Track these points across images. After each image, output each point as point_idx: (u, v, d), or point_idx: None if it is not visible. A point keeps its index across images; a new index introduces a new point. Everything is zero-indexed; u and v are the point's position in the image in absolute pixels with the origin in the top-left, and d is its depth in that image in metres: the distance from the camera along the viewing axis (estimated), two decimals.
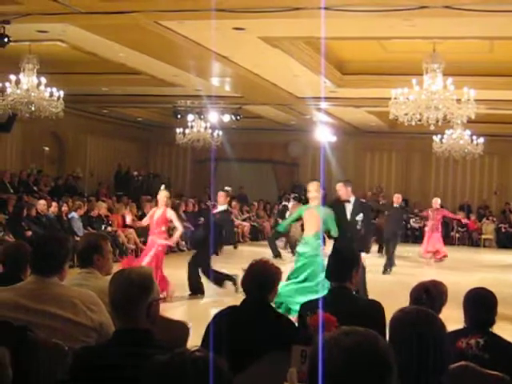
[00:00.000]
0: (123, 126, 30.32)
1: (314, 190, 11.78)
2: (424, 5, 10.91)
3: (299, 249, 11.80)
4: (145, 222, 14.15)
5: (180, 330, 5.21)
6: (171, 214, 13.54)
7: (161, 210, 13.46)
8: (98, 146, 29.64)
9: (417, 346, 3.20)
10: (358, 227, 12.37)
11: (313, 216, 11.63)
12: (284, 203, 23.81)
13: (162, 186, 14.59)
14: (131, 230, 20.34)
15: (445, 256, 21.16)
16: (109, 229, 19.43)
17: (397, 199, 20.24)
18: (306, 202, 15.64)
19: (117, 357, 3.51)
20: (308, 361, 2.45)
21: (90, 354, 3.69)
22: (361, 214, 12.44)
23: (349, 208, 12.46)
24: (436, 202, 22.09)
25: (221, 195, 14.59)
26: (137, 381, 2.47)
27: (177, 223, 13.67)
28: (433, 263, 20.68)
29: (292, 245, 22.02)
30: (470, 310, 5.26)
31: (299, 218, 12.42)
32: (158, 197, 13.69)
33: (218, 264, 15.50)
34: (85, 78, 19.76)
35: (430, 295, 5.46)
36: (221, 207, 14.50)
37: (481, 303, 5.22)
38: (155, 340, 3.67)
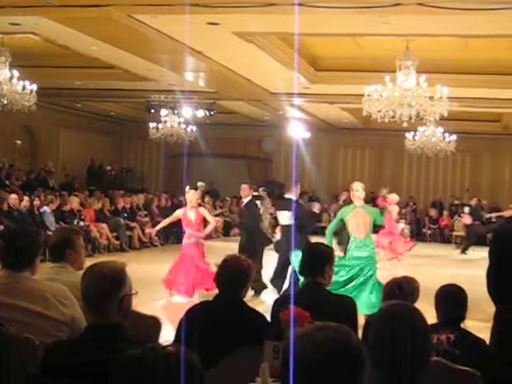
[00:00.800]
0: (96, 120, 30.18)
1: (359, 190, 11.39)
2: (398, 2, 10.96)
3: (355, 253, 11.24)
4: (168, 221, 14.03)
5: (152, 325, 5.20)
6: (203, 211, 13.73)
7: (193, 211, 13.44)
8: (71, 140, 29.48)
9: (395, 339, 3.20)
10: None
11: (362, 216, 11.26)
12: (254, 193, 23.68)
13: (187, 188, 14.41)
14: (104, 225, 20.26)
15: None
16: (81, 223, 19.32)
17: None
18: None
19: (88, 351, 3.51)
20: (281, 356, 2.45)
21: (61, 349, 3.68)
22: None
23: None
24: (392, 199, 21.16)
25: (244, 188, 14.33)
26: (108, 375, 2.46)
27: (210, 218, 13.77)
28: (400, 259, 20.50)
29: None
30: (441, 306, 5.30)
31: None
32: (187, 197, 13.59)
33: None
34: (57, 72, 19.63)
35: (402, 291, 5.50)
36: (245, 199, 14.36)
37: (452, 299, 5.25)
38: (127, 335, 3.67)
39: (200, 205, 14.33)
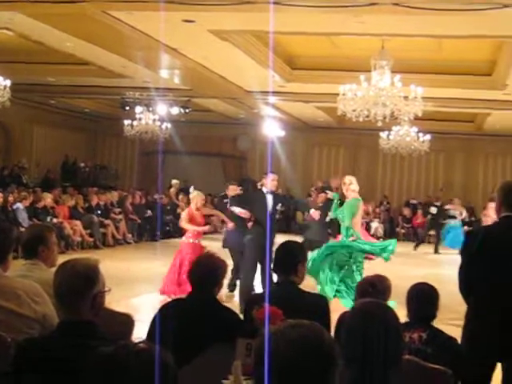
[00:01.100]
0: (70, 117, 30.02)
1: (354, 182, 11.86)
2: (373, 2, 11.00)
3: (364, 246, 11.56)
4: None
5: (124, 322, 5.19)
6: (208, 210, 13.74)
7: (198, 212, 13.46)
8: (45, 137, 29.30)
9: (368, 337, 3.22)
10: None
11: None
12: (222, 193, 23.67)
13: (192, 188, 14.33)
14: (77, 222, 20.17)
15: None
16: (54, 220, 19.21)
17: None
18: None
19: (60, 348, 3.49)
20: (254, 353, 2.46)
21: (33, 346, 3.67)
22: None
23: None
24: None
25: (232, 189, 14.32)
26: (80, 372, 2.46)
27: (215, 212, 13.79)
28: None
29: None
30: (412, 304, 5.33)
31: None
32: (192, 198, 13.59)
33: (165, 257, 15.46)
34: (31, 68, 19.51)
35: (375, 289, 5.53)
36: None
37: (423, 298, 5.29)
38: (99, 332, 3.66)
39: (204, 205, 14.45)
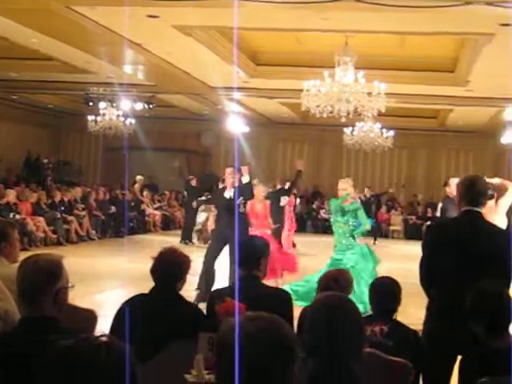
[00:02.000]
0: (33, 113, 29.76)
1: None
2: None
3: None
4: None
5: (87, 317, 5.18)
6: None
7: (261, 205, 13.71)
8: (7, 132, 28.99)
9: (331, 329, 3.25)
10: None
11: None
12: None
13: (256, 180, 14.41)
14: (40, 219, 20.03)
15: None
16: (17, 216, 19.06)
17: None
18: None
19: (22, 344, 3.48)
20: (214, 347, 2.48)
21: None
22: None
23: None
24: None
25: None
26: (41, 366, 2.45)
27: None
28: None
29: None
30: (374, 298, 5.39)
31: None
32: (255, 192, 13.60)
33: (129, 253, 15.43)
34: None
35: (338, 283, 5.58)
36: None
37: (385, 291, 5.35)
38: (61, 327, 3.64)
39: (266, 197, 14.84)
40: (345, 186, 11.63)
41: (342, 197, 11.62)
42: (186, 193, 23.92)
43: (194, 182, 23.21)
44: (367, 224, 11.69)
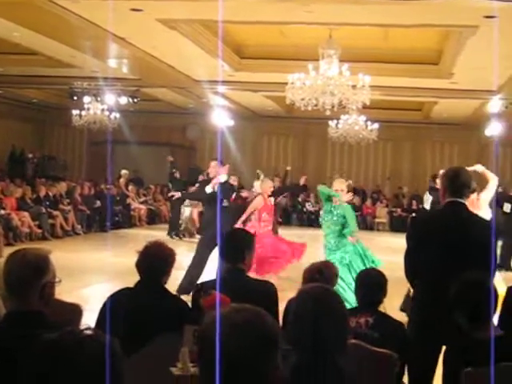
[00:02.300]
0: (18, 107, 29.63)
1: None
2: None
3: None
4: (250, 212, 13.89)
5: (72, 311, 5.18)
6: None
7: (270, 199, 13.70)
8: None
9: (316, 321, 3.26)
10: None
11: None
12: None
13: (262, 176, 14.33)
14: (25, 214, 19.96)
15: None
16: (2, 212, 18.99)
17: None
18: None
19: (8, 338, 3.48)
20: (197, 339, 2.48)
21: None
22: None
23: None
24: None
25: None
26: (26, 360, 2.46)
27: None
28: None
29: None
30: (360, 289, 5.41)
31: None
32: (263, 186, 13.73)
33: (114, 247, 15.40)
34: None
35: (322, 275, 5.59)
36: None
37: (371, 283, 5.36)
38: (48, 321, 3.64)
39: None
40: (341, 187, 10.92)
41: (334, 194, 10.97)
42: (170, 185, 23.87)
43: (177, 175, 23.19)
44: (354, 227, 11.29)
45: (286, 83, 14.77)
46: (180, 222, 22.72)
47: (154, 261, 5.13)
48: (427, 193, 15.95)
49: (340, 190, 10.80)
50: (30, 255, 3.78)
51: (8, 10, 13.29)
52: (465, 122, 27.90)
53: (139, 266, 5.20)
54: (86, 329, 2.37)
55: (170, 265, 5.24)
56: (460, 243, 5.25)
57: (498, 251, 14.36)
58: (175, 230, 22.31)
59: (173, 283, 5.41)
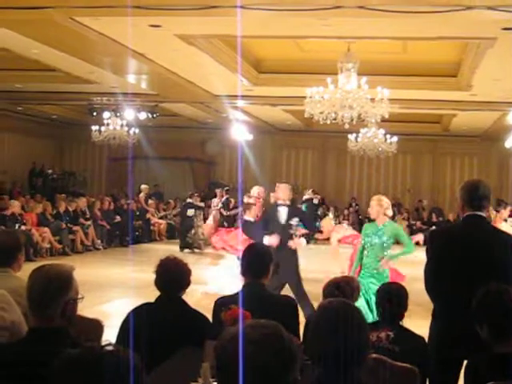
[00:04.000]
0: (37, 124, 29.82)
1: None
2: (339, 5, 11.04)
3: None
4: None
5: (93, 327, 5.19)
6: None
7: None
8: (12, 144, 29.03)
9: (336, 335, 3.25)
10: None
11: None
12: (189, 200, 23.62)
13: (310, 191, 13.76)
14: (46, 229, 20.04)
15: None
16: (22, 227, 19.08)
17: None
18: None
19: (28, 354, 3.48)
20: (215, 355, 2.48)
21: (1, 352, 3.65)
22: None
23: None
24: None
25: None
26: (48, 377, 2.46)
27: None
28: None
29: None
30: (380, 303, 5.38)
31: None
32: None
33: (135, 262, 15.41)
34: None
35: (341, 290, 5.57)
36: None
37: (391, 297, 5.34)
38: (70, 338, 3.64)
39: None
40: (382, 204, 9.78)
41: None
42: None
43: (196, 200, 23.37)
44: (411, 246, 9.87)
45: (305, 97, 14.76)
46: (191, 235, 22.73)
47: (173, 275, 5.15)
48: None
49: (380, 206, 9.86)
50: (54, 271, 3.78)
51: (27, 27, 13.37)
52: (484, 134, 27.80)
53: (157, 281, 5.23)
54: (107, 345, 2.38)
55: (188, 278, 5.26)
56: (480, 257, 5.22)
57: None
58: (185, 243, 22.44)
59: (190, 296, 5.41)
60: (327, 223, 13.41)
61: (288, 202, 11.29)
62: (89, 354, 2.30)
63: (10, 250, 5.30)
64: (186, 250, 21.93)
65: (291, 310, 5.28)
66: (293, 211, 11.22)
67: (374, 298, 8.29)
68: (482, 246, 5.29)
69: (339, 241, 14.63)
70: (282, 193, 11.25)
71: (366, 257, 9.52)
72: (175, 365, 4.36)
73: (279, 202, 11.24)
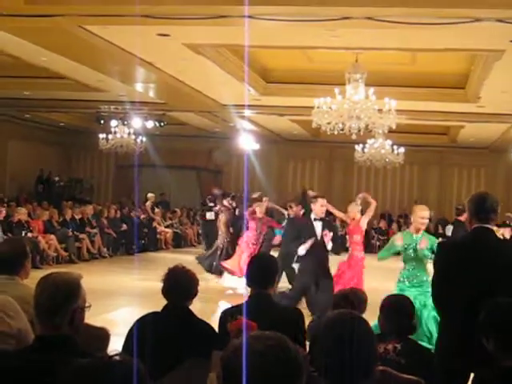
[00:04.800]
0: (45, 131, 29.91)
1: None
2: (347, 16, 11.06)
3: None
4: None
5: (99, 336, 5.18)
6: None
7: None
8: (20, 151, 29.08)
9: (343, 347, 3.24)
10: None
11: None
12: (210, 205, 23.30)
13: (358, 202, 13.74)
14: (52, 237, 20.06)
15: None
16: (29, 234, 19.10)
17: None
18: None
19: (35, 362, 3.47)
20: (220, 367, 2.47)
21: (6, 359, 3.64)
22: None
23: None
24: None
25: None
26: None
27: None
28: None
29: None
30: (387, 316, 5.36)
31: None
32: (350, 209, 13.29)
33: (141, 271, 15.40)
34: (6, 82, 19.45)
35: (348, 302, 5.56)
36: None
37: (398, 309, 5.32)
38: (76, 346, 3.63)
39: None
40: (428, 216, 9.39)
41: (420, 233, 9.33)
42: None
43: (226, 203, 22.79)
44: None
45: (312, 107, 14.76)
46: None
47: (181, 285, 5.14)
48: None
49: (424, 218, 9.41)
50: (62, 280, 3.77)
51: (36, 34, 13.42)
52: (492, 146, 27.77)
53: (164, 291, 5.22)
54: (115, 355, 2.38)
55: (196, 288, 5.25)
56: (487, 271, 5.20)
57: None
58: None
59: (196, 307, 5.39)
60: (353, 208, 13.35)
61: (323, 216, 12.11)
62: (98, 364, 2.30)
63: (17, 257, 5.30)
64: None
65: (297, 322, 5.27)
66: (327, 225, 12.01)
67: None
68: (489, 259, 5.28)
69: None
70: (319, 208, 12.01)
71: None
72: (182, 375, 4.36)
73: (315, 216, 11.94)
